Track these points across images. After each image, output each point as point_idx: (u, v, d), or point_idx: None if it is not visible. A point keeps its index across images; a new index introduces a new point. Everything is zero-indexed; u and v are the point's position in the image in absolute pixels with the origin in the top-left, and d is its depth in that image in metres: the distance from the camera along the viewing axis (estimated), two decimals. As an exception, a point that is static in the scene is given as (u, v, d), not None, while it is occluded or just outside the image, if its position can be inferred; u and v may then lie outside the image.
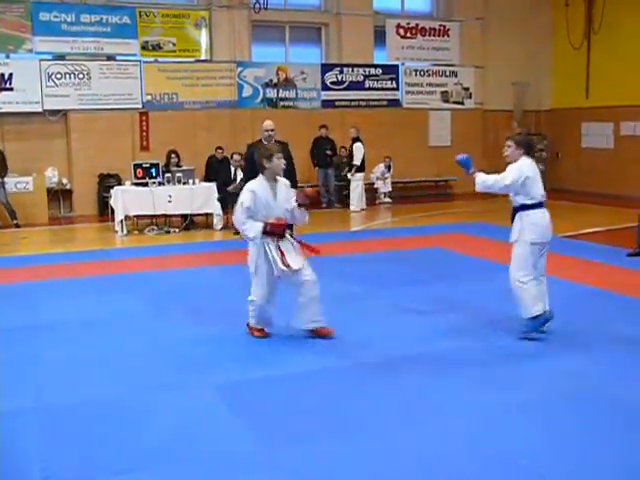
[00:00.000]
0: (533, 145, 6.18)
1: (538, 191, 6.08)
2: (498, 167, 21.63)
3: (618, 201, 15.95)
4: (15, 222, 13.44)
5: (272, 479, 3.84)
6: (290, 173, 9.60)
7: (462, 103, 18.79)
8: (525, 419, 4.51)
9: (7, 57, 14.60)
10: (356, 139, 15.53)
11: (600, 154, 18.07)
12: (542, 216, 6.08)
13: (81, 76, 15.00)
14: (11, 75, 14.52)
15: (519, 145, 6.17)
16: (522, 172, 6.04)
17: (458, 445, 4.16)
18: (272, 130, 9.38)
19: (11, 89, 14.52)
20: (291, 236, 6.20)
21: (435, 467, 3.91)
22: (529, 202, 6.07)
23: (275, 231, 6.00)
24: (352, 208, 15.45)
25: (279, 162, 6.01)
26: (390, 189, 16.84)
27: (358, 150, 15.44)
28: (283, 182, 6.19)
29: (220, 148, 14.56)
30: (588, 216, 14.20)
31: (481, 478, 3.80)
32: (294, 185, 9.62)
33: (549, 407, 4.69)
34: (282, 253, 5.98)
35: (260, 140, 9.53)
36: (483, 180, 6.20)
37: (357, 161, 15.46)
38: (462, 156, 6.30)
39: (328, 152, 16.01)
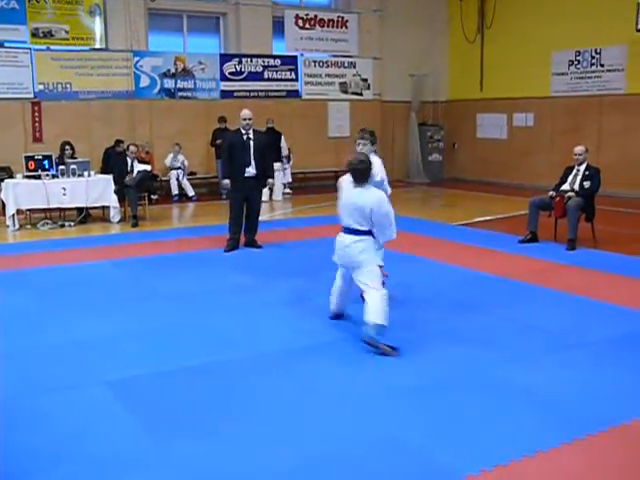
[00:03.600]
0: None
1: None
2: (394, 157, 21.93)
3: (511, 190, 16.53)
4: None
5: (164, 475, 3.79)
6: (266, 162, 10.05)
7: (361, 94, 18.98)
8: (415, 403, 4.62)
9: None
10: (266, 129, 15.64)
11: (494, 144, 18.65)
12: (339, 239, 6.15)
13: (-34, 63, 14.36)
14: None
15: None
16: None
17: (348, 432, 4.23)
18: (250, 119, 9.84)
19: None
20: None
21: (326, 457, 3.96)
22: None
23: None
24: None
25: None
26: (290, 180, 16.86)
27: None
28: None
29: (121, 141, 14.23)
30: (483, 204, 14.62)
31: (372, 464, 3.87)
32: (270, 174, 10.25)
33: (438, 391, 4.82)
34: None
35: (238, 129, 9.93)
36: None
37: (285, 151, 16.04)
38: None
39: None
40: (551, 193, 9.98)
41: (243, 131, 9.83)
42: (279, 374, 5.21)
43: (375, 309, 5.71)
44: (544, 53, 16.87)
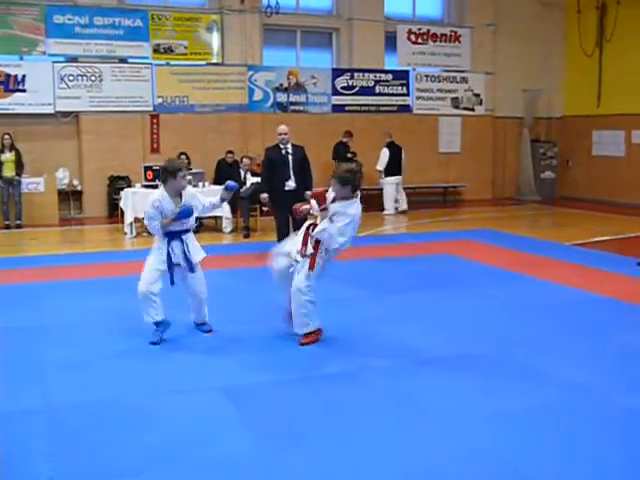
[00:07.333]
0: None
1: None
2: (505, 174, 21.40)
3: (629, 210, 15.90)
4: (18, 222, 13.54)
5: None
6: (305, 175, 9.91)
7: (472, 109, 18.75)
8: (528, 426, 4.50)
9: (21, 59, 14.71)
10: (388, 144, 16.00)
11: (611, 162, 18.02)
12: None
13: (93, 78, 15.08)
14: (24, 77, 14.61)
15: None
16: None
17: (458, 450, 4.16)
18: (286, 134, 9.95)
19: (24, 90, 14.62)
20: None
21: (434, 472, 3.91)
22: None
23: None
24: (385, 212, 15.84)
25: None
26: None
27: (383, 155, 15.95)
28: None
29: (231, 152, 14.60)
30: (599, 224, 14.14)
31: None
32: (309, 187, 9.84)
33: (551, 416, 4.67)
34: None
35: (277, 144, 10.00)
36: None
37: (379, 166, 15.95)
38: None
39: (351, 157, 16.00)
40: (673, 214, 9.57)
41: (281, 146, 9.93)
42: (387, 388, 5.17)
43: None
44: (667, 68, 16.21)
